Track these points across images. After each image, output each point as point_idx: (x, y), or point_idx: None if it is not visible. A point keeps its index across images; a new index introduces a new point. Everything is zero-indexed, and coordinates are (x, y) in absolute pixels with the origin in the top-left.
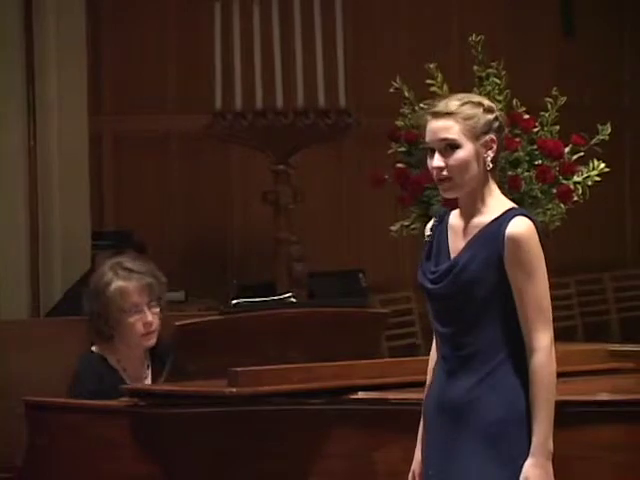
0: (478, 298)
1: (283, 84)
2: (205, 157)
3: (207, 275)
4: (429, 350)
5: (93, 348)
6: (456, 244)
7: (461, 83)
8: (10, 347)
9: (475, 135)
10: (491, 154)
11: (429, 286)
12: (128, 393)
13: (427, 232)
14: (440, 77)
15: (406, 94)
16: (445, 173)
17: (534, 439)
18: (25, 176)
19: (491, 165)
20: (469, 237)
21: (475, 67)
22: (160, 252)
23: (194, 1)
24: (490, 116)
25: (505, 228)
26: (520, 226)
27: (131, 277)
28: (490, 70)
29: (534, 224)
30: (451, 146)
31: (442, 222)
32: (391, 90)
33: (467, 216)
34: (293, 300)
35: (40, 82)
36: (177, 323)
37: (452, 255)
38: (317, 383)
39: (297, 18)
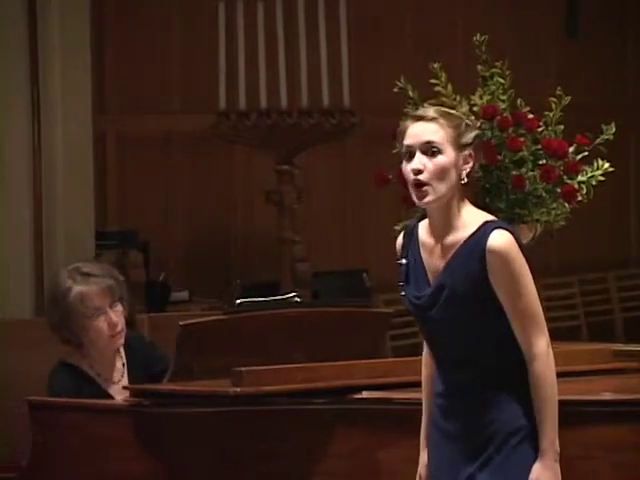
0: (470, 316)
1: (287, 84)
2: (209, 157)
3: (210, 275)
4: None
5: (67, 359)
6: (433, 264)
7: (465, 83)
8: (14, 346)
9: (458, 145)
10: (467, 168)
11: (418, 312)
12: (131, 392)
13: (398, 248)
14: (444, 77)
15: (410, 94)
16: (422, 177)
17: (542, 442)
18: (30, 176)
19: (466, 179)
20: (448, 256)
21: (479, 67)
22: (164, 252)
23: (198, 1)
24: (472, 133)
25: (485, 243)
26: (500, 239)
27: (89, 281)
28: (494, 70)
29: (512, 234)
30: (433, 151)
31: (412, 237)
32: (395, 90)
33: (441, 233)
34: (297, 300)
35: (44, 83)
36: (181, 323)
37: (430, 275)
38: (320, 383)
39: (301, 18)
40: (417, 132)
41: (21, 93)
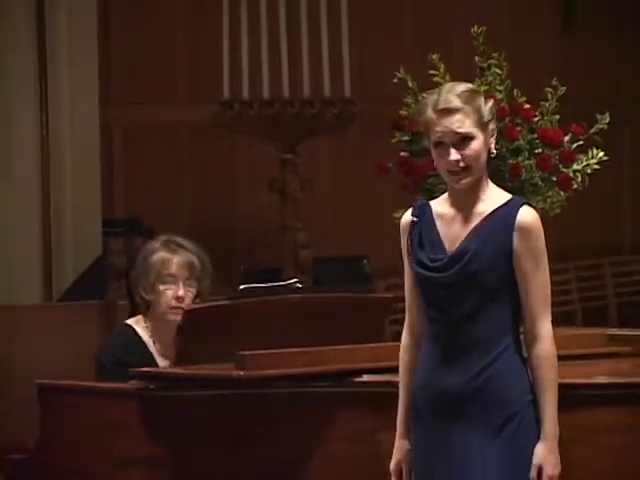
0: (486, 286)
1: (289, 74)
2: (212, 146)
3: (214, 261)
4: None
5: (128, 321)
6: (452, 231)
7: (464, 74)
8: (23, 331)
9: (483, 125)
10: (493, 141)
11: (432, 274)
12: (137, 376)
13: (406, 223)
14: (443, 68)
15: (409, 84)
16: (463, 164)
17: (545, 424)
18: (38, 165)
19: (494, 152)
20: (471, 225)
21: (477, 58)
22: None
23: None
24: (490, 104)
25: (515, 217)
26: (530, 215)
27: (177, 251)
28: (492, 61)
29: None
30: (465, 139)
31: (424, 213)
32: (395, 80)
33: (465, 203)
34: (299, 286)
35: (52, 73)
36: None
37: (446, 243)
38: (322, 367)
39: (303, 9)
40: (446, 124)
41: (29, 84)
